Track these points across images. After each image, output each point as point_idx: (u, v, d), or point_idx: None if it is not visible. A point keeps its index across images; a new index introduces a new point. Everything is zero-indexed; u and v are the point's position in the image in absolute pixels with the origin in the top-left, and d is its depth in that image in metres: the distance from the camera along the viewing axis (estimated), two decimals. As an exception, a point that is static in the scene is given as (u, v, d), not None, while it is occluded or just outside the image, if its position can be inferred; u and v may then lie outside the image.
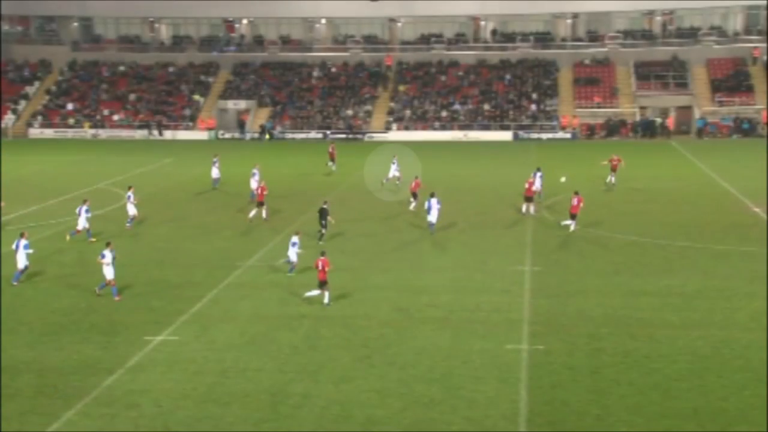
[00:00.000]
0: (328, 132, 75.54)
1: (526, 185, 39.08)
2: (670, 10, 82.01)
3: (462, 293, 27.25)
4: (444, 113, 77.04)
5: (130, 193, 37.53)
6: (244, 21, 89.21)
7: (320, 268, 25.81)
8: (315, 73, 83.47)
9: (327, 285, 25.91)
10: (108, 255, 26.61)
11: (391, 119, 77.07)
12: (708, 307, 25.46)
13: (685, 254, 31.78)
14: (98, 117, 79.51)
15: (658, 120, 74.05)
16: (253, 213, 38.17)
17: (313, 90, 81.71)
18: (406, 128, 75.41)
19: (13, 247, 28.78)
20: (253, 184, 42.14)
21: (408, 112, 77.59)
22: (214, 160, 47.69)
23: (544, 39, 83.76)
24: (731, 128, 71.72)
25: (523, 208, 39.04)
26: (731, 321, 24.20)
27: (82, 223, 34.26)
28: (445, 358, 21.62)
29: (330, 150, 54.09)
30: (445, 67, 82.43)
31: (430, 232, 35.55)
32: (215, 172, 47.08)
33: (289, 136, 76.44)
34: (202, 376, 20.69)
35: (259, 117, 79.33)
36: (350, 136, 75.08)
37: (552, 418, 18.21)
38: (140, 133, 77.31)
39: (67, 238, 34.16)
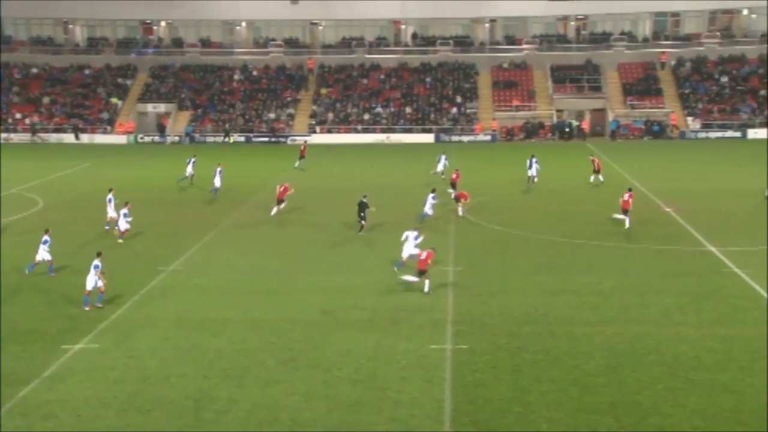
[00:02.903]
0: (251, 135, 74.96)
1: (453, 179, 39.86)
2: (584, 15, 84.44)
3: (387, 294, 27.43)
4: (366, 116, 77.36)
5: (110, 195, 37.04)
6: (162, 23, 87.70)
7: (423, 257, 26.94)
8: (236, 76, 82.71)
9: (427, 274, 26.98)
10: (99, 265, 26.03)
11: (313, 122, 76.97)
12: (623, 304, 26.25)
13: (601, 253, 32.69)
14: (10, 120, 76.92)
15: (574, 122, 76.09)
16: (274, 210, 39.27)
17: (234, 93, 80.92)
18: (329, 131, 75.47)
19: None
20: (217, 182, 45.06)
21: (330, 115, 77.63)
22: (193, 160, 49.23)
23: (463, 43, 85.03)
24: (643, 130, 74.22)
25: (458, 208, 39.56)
26: (645, 317, 25.02)
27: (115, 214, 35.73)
28: (370, 360, 21.75)
29: (302, 149, 56.54)
30: (367, 70, 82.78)
31: (419, 218, 37.06)
32: (189, 170, 48.76)
33: (210, 139, 75.50)
34: (123, 384, 20.29)
35: (180, 120, 78.14)
36: (273, 139, 74.69)
37: (475, 417, 18.51)
38: (55, 137, 75.21)
39: (117, 237, 34.74)
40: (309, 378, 20.62)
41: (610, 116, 75.77)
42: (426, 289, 27.11)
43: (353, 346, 22.71)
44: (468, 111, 77.29)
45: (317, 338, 23.34)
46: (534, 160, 48.15)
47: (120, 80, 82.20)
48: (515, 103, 77.62)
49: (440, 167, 50.45)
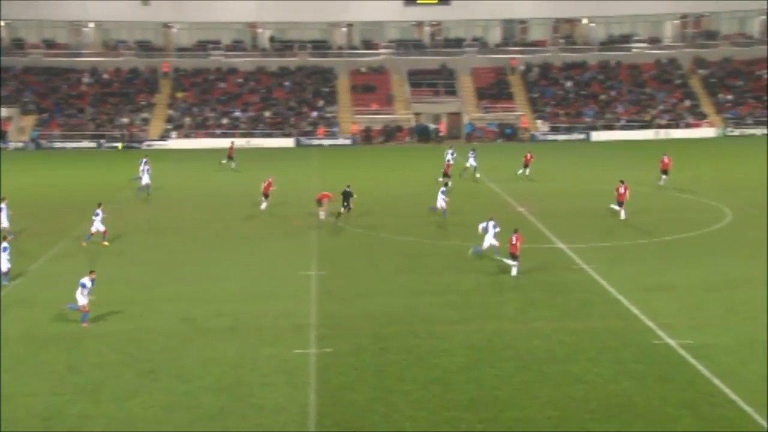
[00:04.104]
0: (103, 141, 72.11)
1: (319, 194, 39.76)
2: (437, 21, 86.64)
3: (249, 300, 27.10)
4: (225, 120, 76.12)
5: (3, 204, 35.08)
6: (1, 23, 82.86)
7: (513, 242, 28.81)
8: (85, 79, 79.38)
9: (518, 258, 28.89)
10: (88, 284, 24.42)
11: (170, 127, 74.96)
12: (482, 302, 27.03)
13: (460, 253, 33.52)
14: None
15: (432, 126, 77.92)
16: (264, 205, 41.09)
17: (83, 97, 77.61)
18: (186, 136, 73.71)
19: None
20: (146, 179, 46.06)
21: (188, 120, 75.85)
22: (144, 160, 48.16)
23: (321, 47, 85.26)
24: (496, 133, 77.01)
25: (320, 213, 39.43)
26: (502, 313, 25.88)
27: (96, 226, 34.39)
28: (234, 367, 21.40)
29: (229, 148, 56.41)
30: (224, 74, 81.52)
31: (431, 211, 39.81)
32: (146, 178, 47.24)
33: (59, 145, 72.02)
34: (-34, 407, 19.01)
35: (23, 125, 74.05)
36: (127, 144, 72.15)
37: (340, 419, 18.57)
38: None
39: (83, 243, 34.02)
40: (169, 389, 20.05)
41: (465, 119, 78.11)
42: (513, 273, 29.02)
43: (215, 354, 22.27)
44: (327, 115, 77.53)
45: (178, 348, 22.74)
46: (472, 153, 52.12)
47: (-45, 83, 77.11)
48: (374, 106, 78.56)
49: (449, 159, 50.99)
